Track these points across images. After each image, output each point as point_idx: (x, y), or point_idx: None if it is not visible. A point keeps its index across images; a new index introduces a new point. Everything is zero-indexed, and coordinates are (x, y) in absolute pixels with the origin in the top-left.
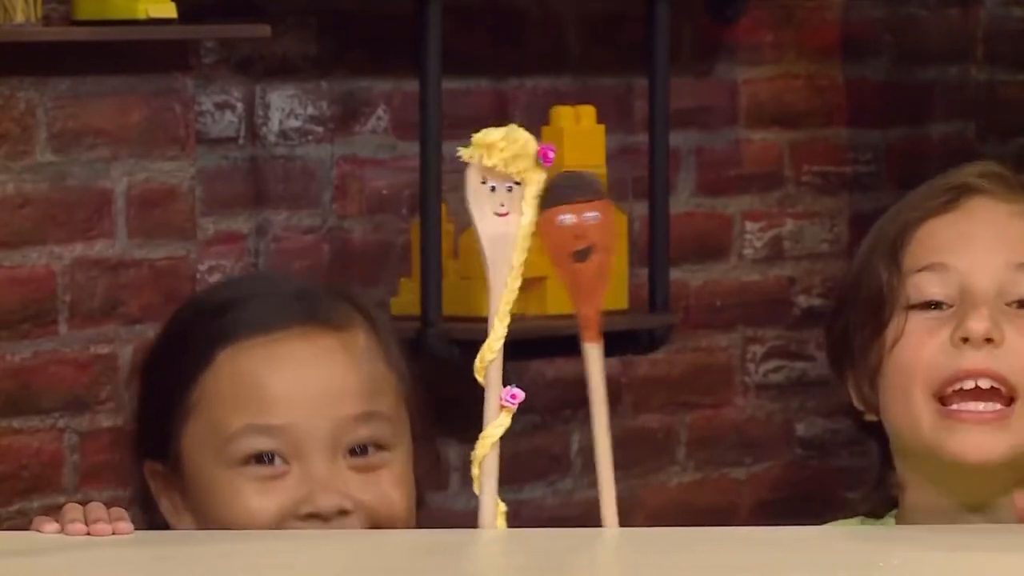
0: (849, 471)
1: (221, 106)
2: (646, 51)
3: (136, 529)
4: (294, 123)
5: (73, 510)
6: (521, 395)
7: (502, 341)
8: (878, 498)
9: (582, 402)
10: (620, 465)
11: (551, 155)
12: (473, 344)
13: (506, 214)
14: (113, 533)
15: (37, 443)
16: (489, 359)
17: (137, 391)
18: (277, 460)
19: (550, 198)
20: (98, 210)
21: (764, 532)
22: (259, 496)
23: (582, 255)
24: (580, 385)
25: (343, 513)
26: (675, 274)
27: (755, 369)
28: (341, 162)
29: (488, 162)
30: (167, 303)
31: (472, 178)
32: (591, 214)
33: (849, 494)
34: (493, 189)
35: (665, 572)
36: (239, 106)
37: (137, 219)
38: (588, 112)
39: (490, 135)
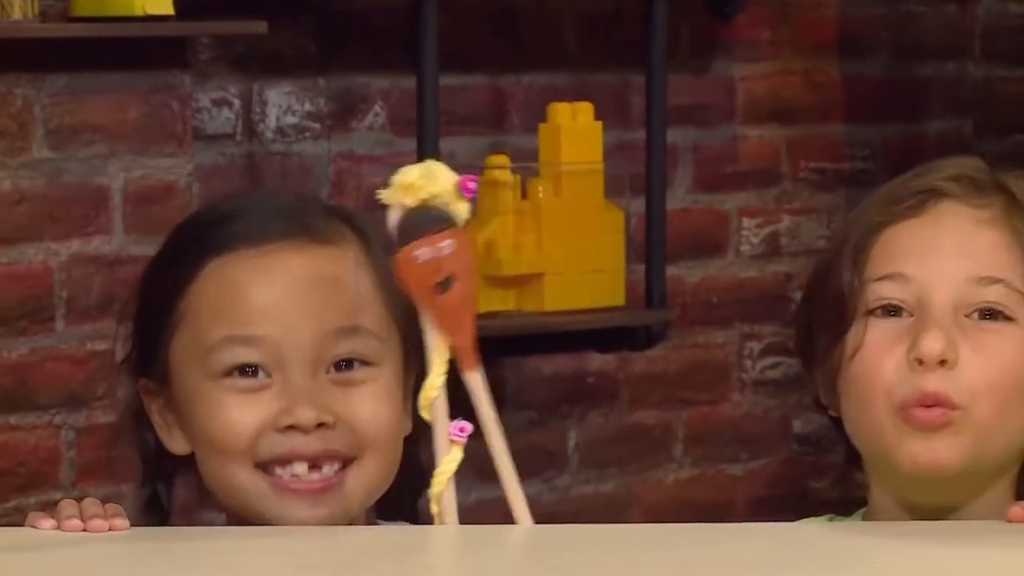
0: None
1: (218, 103)
2: (644, 48)
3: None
4: (291, 120)
5: (69, 506)
6: (469, 427)
7: (443, 377)
8: (843, 492)
9: (579, 398)
10: (617, 461)
11: (472, 185)
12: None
13: None
14: (110, 529)
15: (34, 439)
16: (432, 396)
17: (134, 307)
18: (260, 373)
19: (401, 237)
20: (95, 207)
21: (760, 528)
22: (239, 409)
23: (444, 286)
24: (577, 381)
25: (323, 426)
26: (672, 270)
27: (752, 365)
28: (338, 159)
29: (409, 202)
30: None
31: (394, 219)
32: (445, 243)
33: (814, 483)
34: None
35: (660, 568)
36: (236, 103)
37: (134, 216)
38: (585, 108)
39: (408, 175)
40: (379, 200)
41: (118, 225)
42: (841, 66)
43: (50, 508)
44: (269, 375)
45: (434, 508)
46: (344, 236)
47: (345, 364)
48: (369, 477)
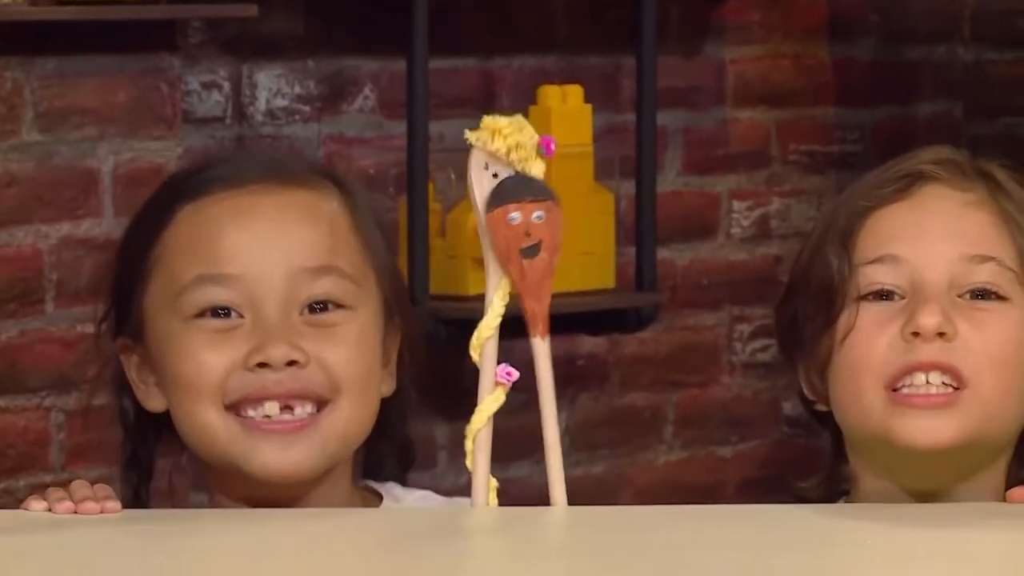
0: None
1: (208, 85)
2: (634, 30)
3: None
4: (281, 102)
5: (57, 492)
6: (516, 373)
7: (499, 319)
8: (828, 488)
9: (569, 381)
10: (607, 443)
11: (552, 146)
12: (460, 323)
13: None
14: (101, 512)
15: (24, 422)
16: (486, 336)
17: (113, 270)
18: (232, 314)
19: (498, 196)
20: (85, 189)
21: (750, 510)
22: (209, 349)
23: (531, 252)
24: (565, 364)
25: (294, 364)
26: (662, 253)
27: (742, 348)
28: (328, 141)
29: (492, 147)
30: None
31: (475, 163)
32: (538, 213)
33: (800, 483)
34: (495, 176)
35: (651, 550)
36: (226, 85)
37: (124, 198)
38: (575, 91)
39: (498, 121)
40: (466, 140)
41: (108, 208)
42: (831, 49)
43: (40, 491)
44: (241, 315)
45: (469, 445)
46: (321, 183)
47: (320, 307)
48: (344, 422)
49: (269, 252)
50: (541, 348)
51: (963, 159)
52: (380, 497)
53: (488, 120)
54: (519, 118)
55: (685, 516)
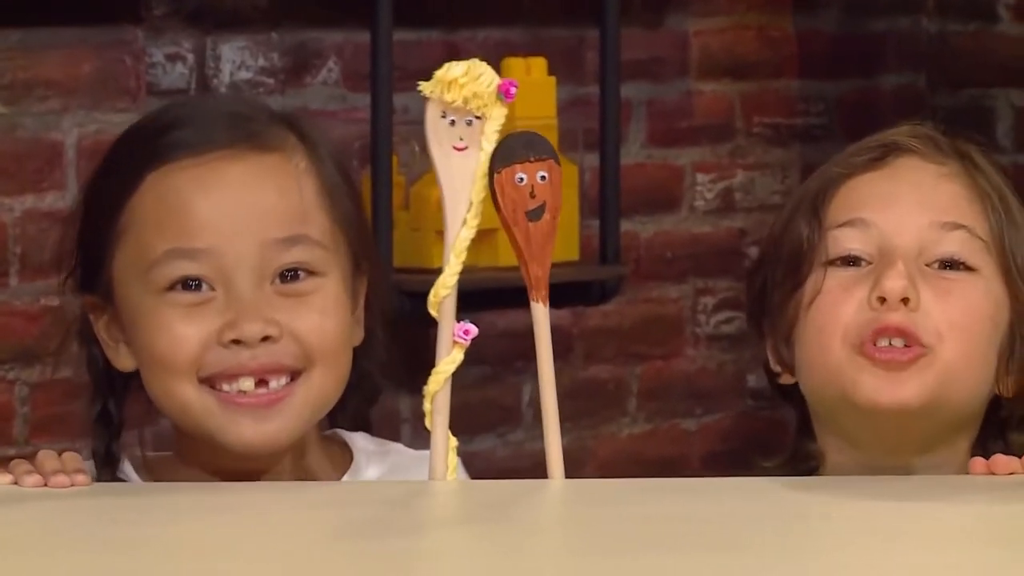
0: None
1: (172, 58)
2: (597, 2)
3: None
4: (245, 75)
5: (23, 464)
6: (474, 330)
7: (457, 276)
8: (792, 467)
9: (533, 353)
10: (571, 416)
11: (513, 90)
12: (424, 296)
13: (465, 148)
14: (71, 485)
15: None
16: (443, 294)
17: (77, 220)
18: (204, 286)
19: (503, 157)
20: (49, 162)
21: (715, 483)
22: (183, 323)
23: (535, 214)
24: (531, 336)
25: (268, 339)
26: (626, 225)
27: (706, 320)
28: None
29: (448, 97)
30: None
31: (431, 112)
32: (542, 173)
33: (765, 462)
34: (452, 123)
35: (618, 523)
36: (190, 58)
37: (88, 171)
38: (539, 64)
39: (452, 70)
40: (420, 93)
41: (72, 180)
42: (795, 21)
43: (4, 464)
44: (213, 288)
45: (427, 406)
46: (286, 141)
47: (291, 274)
48: (318, 390)
49: (239, 224)
50: (541, 313)
51: (939, 135)
52: (349, 450)
53: (441, 71)
54: (476, 63)
55: (647, 489)
